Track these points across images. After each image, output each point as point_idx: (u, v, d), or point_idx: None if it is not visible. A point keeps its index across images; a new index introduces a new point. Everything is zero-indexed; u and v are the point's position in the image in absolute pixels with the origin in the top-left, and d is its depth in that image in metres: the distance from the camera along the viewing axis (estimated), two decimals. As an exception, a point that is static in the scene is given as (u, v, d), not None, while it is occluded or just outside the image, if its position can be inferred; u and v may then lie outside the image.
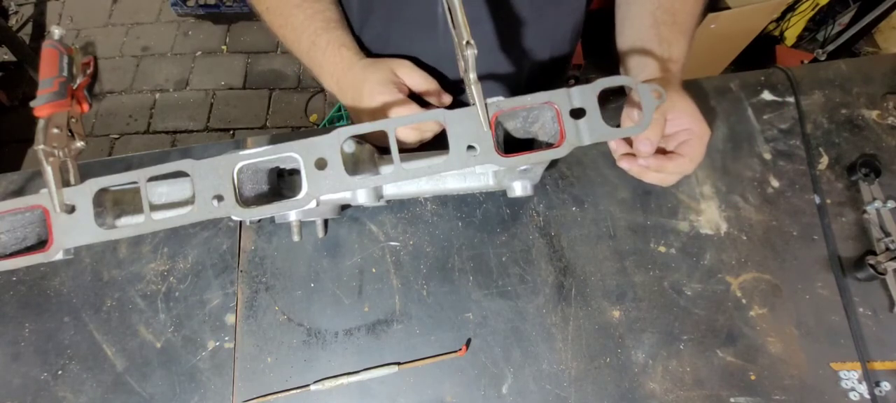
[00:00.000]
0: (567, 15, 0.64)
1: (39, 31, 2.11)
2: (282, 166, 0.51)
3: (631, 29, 0.57)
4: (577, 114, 0.37)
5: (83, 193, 0.36)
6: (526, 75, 0.67)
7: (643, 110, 0.37)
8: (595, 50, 1.80)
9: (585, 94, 0.37)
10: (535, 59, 0.65)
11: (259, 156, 0.36)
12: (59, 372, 0.54)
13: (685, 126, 0.49)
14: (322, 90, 1.91)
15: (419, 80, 0.54)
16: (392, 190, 0.54)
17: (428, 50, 0.61)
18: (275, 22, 0.59)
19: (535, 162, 0.37)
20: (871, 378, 0.52)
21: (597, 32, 0.72)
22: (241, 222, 0.60)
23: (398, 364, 0.53)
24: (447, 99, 0.56)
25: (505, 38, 0.61)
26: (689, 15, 0.55)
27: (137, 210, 0.47)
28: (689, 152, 0.49)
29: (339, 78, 0.56)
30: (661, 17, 0.53)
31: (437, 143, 0.56)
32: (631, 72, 0.54)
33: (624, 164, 0.52)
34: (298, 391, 0.53)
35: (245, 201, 0.36)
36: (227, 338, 0.55)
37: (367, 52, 0.58)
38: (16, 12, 2.17)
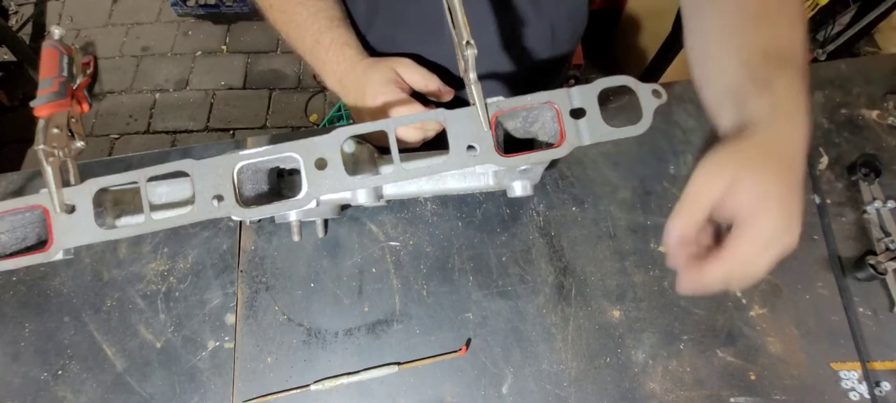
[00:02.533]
0: (567, 15, 0.64)
1: (39, 31, 2.11)
2: (282, 166, 0.51)
3: (717, 79, 0.42)
4: (577, 114, 0.37)
5: (83, 193, 0.36)
6: (526, 75, 0.67)
7: (643, 111, 0.37)
8: (595, 50, 1.80)
9: (585, 94, 0.37)
10: (535, 58, 0.65)
11: (259, 156, 0.36)
12: (59, 372, 0.54)
13: (744, 208, 0.34)
14: (322, 90, 1.91)
15: (420, 79, 0.54)
16: (392, 190, 0.54)
17: (434, 52, 0.61)
18: (278, 19, 0.59)
19: (535, 162, 0.37)
20: (871, 378, 0.52)
21: (597, 32, 0.72)
22: (241, 222, 0.60)
23: (398, 364, 0.53)
24: (449, 95, 0.56)
25: (505, 38, 0.61)
26: (790, 42, 0.39)
27: (137, 210, 0.47)
28: (732, 249, 0.34)
29: (341, 77, 0.56)
30: (747, 57, 0.40)
31: (438, 143, 0.56)
32: (717, 126, 0.40)
33: (681, 286, 0.37)
34: (298, 391, 0.53)
35: (245, 201, 0.36)
36: (227, 338, 0.55)
37: (372, 52, 0.58)
38: (16, 12, 2.17)
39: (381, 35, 0.63)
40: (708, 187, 0.34)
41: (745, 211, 0.34)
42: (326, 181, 0.36)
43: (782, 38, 0.40)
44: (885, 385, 0.52)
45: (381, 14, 0.62)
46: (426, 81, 0.54)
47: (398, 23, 0.62)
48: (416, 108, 0.50)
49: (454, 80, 0.58)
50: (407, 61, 0.55)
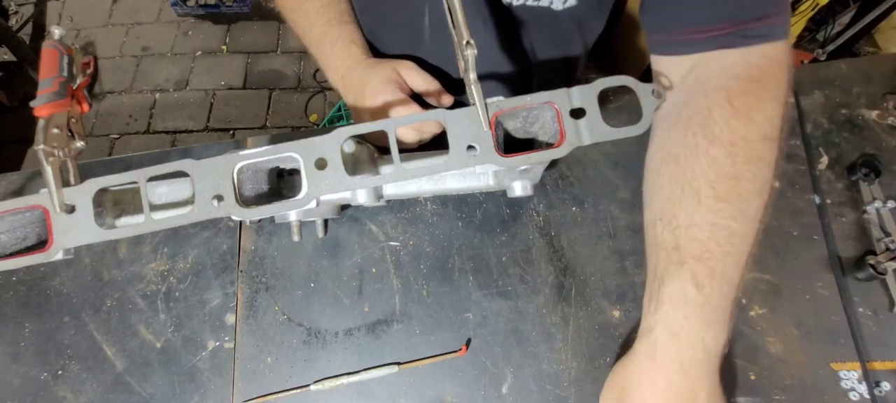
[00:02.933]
0: (569, 25, 0.63)
1: (39, 31, 2.11)
2: (282, 166, 0.51)
3: (646, 211, 0.44)
4: (577, 114, 0.37)
5: (83, 193, 0.36)
6: (527, 76, 0.67)
7: (643, 111, 0.37)
8: (595, 50, 1.80)
9: (585, 94, 0.37)
10: (534, 62, 0.65)
11: (259, 156, 0.36)
12: (59, 372, 0.54)
13: None
14: (322, 90, 1.91)
15: (420, 81, 0.54)
16: (392, 190, 0.54)
17: (414, 59, 0.61)
18: (287, 5, 0.59)
19: (535, 162, 0.37)
20: (871, 378, 0.52)
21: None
22: (241, 222, 0.60)
23: (398, 364, 0.53)
24: (448, 99, 0.56)
25: (505, 38, 0.61)
26: (704, 232, 0.39)
27: (137, 210, 0.47)
28: None
29: (343, 74, 0.56)
30: (661, 236, 0.41)
31: (437, 143, 0.56)
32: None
33: None
34: (298, 391, 0.53)
35: (245, 201, 0.36)
36: (227, 338, 0.55)
37: (375, 51, 0.58)
38: (16, 12, 2.17)
39: (370, 35, 0.63)
40: None
41: None
42: (326, 181, 0.36)
43: (695, 224, 0.39)
44: (885, 385, 0.52)
45: (368, 14, 0.62)
46: (427, 84, 0.54)
47: (381, 27, 0.62)
48: (415, 109, 0.50)
49: (451, 83, 0.58)
50: (409, 63, 0.55)
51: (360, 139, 0.50)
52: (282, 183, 0.53)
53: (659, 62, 0.50)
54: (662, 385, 0.36)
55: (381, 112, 0.51)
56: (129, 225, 0.43)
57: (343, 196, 0.53)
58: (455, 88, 0.60)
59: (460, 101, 0.63)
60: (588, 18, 0.62)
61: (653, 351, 0.38)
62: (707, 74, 0.43)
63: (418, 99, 0.55)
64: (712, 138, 0.40)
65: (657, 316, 0.38)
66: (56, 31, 0.41)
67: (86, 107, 0.42)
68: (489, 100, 0.37)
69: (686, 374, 0.36)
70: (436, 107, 0.54)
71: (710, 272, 0.38)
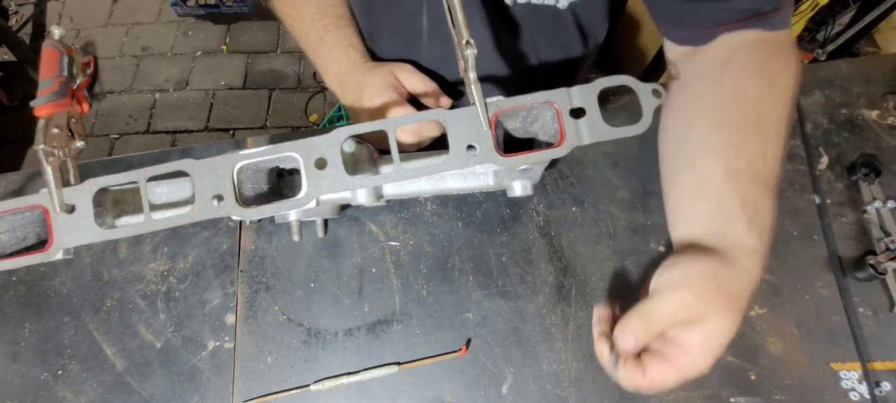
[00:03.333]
0: (571, 27, 0.63)
1: (39, 31, 2.11)
2: (282, 166, 0.51)
3: (692, 170, 0.42)
4: (577, 113, 0.37)
5: (83, 193, 0.36)
6: (528, 77, 0.67)
7: (643, 111, 0.37)
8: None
9: (585, 94, 0.37)
10: (536, 62, 0.65)
11: (259, 155, 0.36)
12: (59, 372, 0.54)
13: (694, 343, 0.37)
14: (322, 90, 1.91)
15: (418, 83, 0.54)
16: (392, 190, 0.54)
17: (413, 57, 0.61)
18: (285, 10, 0.59)
19: (534, 161, 0.37)
20: (871, 378, 0.52)
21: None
22: (241, 222, 0.60)
23: (398, 364, 0.53)
24: (446, 102, 0.56)
25: (506, 38, 0.61)
26: (771, 166, 0.40)
27: (137, 210, 0.47)
28: (659, 370, 0.37)
29: (342, 78, 0.56)
30: (735, 164, 0.39)
31: (437, 143, 0.56)
32: (679, 218, 0.42)
33: (599, 348, 0.41)
34: (298, 391, 0.53)
35: (245, 201, 0.36)
36: (227, 338, 0.55)
37: (374, 56, 0.58)
38: (16, 12, 2.17)
39: (369, 39, 0.63)
40: (676, 312, 0.37)
41: (691, 344, 0.36)
42: (326, 181, 0.36)
43: (769, 157, 0.41)
44: (885, 385, 0.52)
45: (369, 17, 0.62)
46: (424, 85, 0.54)
47: (378, 28, 0.62)
48: (412, 112, 0.50)
49: (449, 86, 0.58)
50: (407, 66, 0.55)
51: (360, 139, 0.50)
52: (282, 183, 0.53)
53: (674, 50, 0.52)
54: (744, 307, 0.38)
55: (378, 115, 0.51)
56: (129, 225, 0.43)
57: (343, 196, 0.53)
58: (453, 91, 0.60)
59: (458, 105, 0.63)
60: (592, 17, 0.62)
61: (759, 274, 0.39)
62: (742, 40, 0.46)
63: (416, 102, 0.55)
64: (773, 84, 0.43)
65: (761, 242, 0.39)
66: (56, 31, 0.41)
67: (86, 107, 0.42)
68: (489, 100, 0.37)
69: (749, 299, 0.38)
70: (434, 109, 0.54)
71: (774, 206, 0.40)
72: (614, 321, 0.40)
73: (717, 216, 0.40)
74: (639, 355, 0.38)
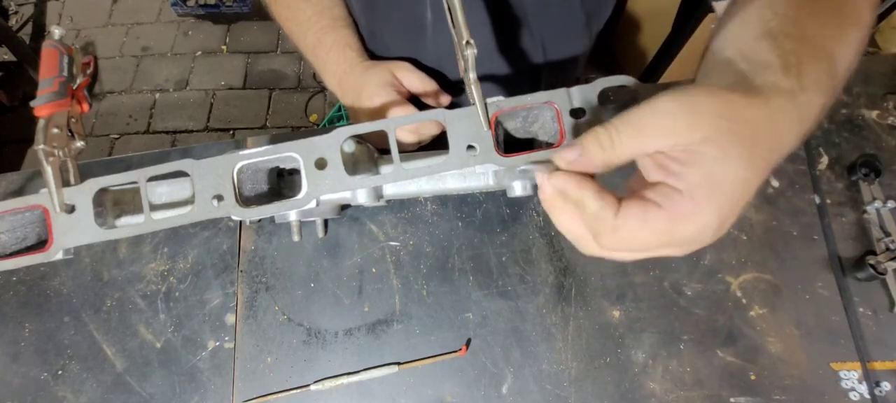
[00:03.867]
0: (577, 11, 0.63)
1: (39, 31, 2.11)
2: (282, 166, 0.51)
3: (725, 44, 0.32)
4: (577, 113, 0.37)
5: (83, 193, 0.36)
6: (532, 77, 0.67)
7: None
8: (595, 50, 1.80)
9: (585, 94, 0.37)
10: (542, 60, 0.65)
11: (259, 155, 0.36)
12: (59, 372, 0.54)
13: (696, 185, 0.25)
14: (322, 90, 1.91)
15: (417, 82, 0.54)
16: (392, 190, 0.54)
17: (417, 54, 0.61)
18: (281, 13, 0.59)
19: (534, 161, 0.37)
20: (871, 378, 0.52)
21: (599, 32, 0.72)
22: (241, 222, 0.60)
23: (398, 364, 0.53)
24: (445, 99, 0.56)
25: (507, 37, 0.61)
26: (830, 38, 0.31)
27: (137, 210, 0.47)
28: (638, 214, 0.26)
29: (341, 78, 0.56)
30: (780, 28, 0.31)
31: (437, 143, 0.56)
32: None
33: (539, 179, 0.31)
34: (298, 391, 0.53)
35: (245, 201, 0.36)
36: (227, 338, 0.55)
37: (372, 55, 0.58)
38: (16, 12, 2.17)
39: (368, 34, 0.63)
40: (662, 129, 0.26)
41: (687, 182, 0.25)
42: (326, 181, 0.36)
43: (827, 33, 0.31)
44: (885, 385, 0.52)
45: (371, 13, 0.62)
46: (424, 84, 0.54)
47: (382, 24, 0.62)
48: (412, 111, 0.50)
49: (444, 84, 0.58)
50: (405, 65, 0.55)
51: (360, 139, 0.50)
52: (282, 183, 0.53)
53: (718, 5, 0.45)
54: (771, 154, 0.27)
55: (378, 114, 0.51)
56: (129, 225, 0.42)
57: (343, 196, 0.53)
58: (457, 87, 0.60)
59: (458, 103, 0.63)
60: (599, 1, 0.61)
61: (795, 116, 0.28)
62: None
63: (416, 100, 0.55)
64: None
65: (802, 90, 0.28)
66: (56, 31, 0.41)
67: (86, 107, 0.42)
68: (489, 100, 0.37)
69: (780, 152, 0.28)
70: (434, 108, 0.54)
71: (833, 76, 0.31)
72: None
73: (745, 74, 0.29)
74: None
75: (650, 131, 0.25)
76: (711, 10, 0.49)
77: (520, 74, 0.64)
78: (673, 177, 0.26)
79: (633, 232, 0.26)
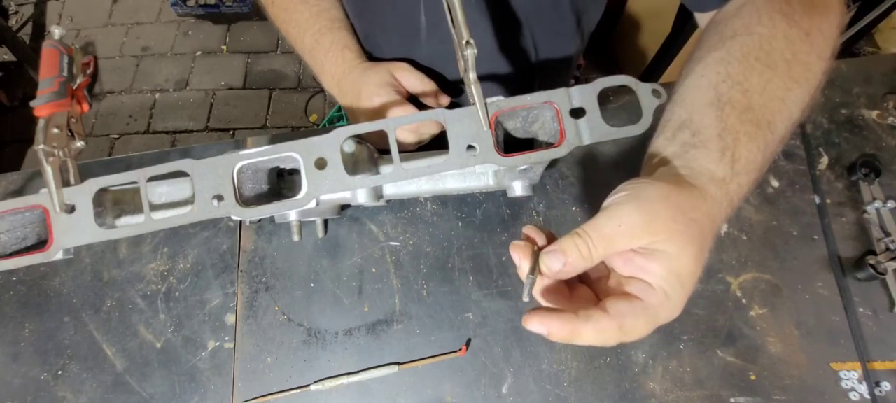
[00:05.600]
0: (567, 15, 0.63)
1: (39, 31, 2.11)
2: (282, 166, 0.51)
3: (681, 104, 0.38)
4: (577, 113, 0.37)
5: (83, 193, 0.36)
6: (526, 76, 0.67)
7: (643, 111, 0.37)
8: (595, 50, 1.80)
9: (585, 94, 0.37)
10: (535, 60, 0.65)
11: (259, 155, 0.36)
12: (59, 372, 0.54)
13: (655, 279, 0.30)
14: (322, 90, 1.91)
15: (416, 82, 0.54)
16: (392, 190, 0.54)
17: (411, 56, 0.61)
18: (279, 16, 0.59)
19: (534, 161, 0.37)
20: (871, 378, 0.52)
21: (597, 32, 0.72)
22: (241, 222, 0.60)
23: (398, 364, 0.53)
24: (445, 100, 0.56)
25: (505, 36, 0.61)
26: (775, 103, 0.36)
27: (137, 210, 0.47)
28: (629, 311, 0.30)
29: (339, 79, 0.56)
30: (728, 94, 0.36)
31: (437, 143, 0.56)
32: (647, 167, 0.37)
33: (515, 256, 0.33)
34: (298, 391, 0.53)
35: (245, 201, 0.36)
36: (227, 338, 0.55)
37: (370, 56, 0.58)
38: (16, 12, 2.17)
39: (363, 36, 0.63)
40: (623, 233, 0.30)
41: (654, 276, 0.30)
42: (326, 181, 0.36)
43: (771, 94, 0.37)
44: (885, 385, 0.52)
45: (365, 17, 0.62)
46: (423, 84, 0.54)
47: (376, 27, 0.62)
48: (412, 110, 0.50)
49: (443, 86, 0.58)
50: (404, 65, 0.55)
51: (360, 139, 0.50)
52: (282, 183, 0.53)
53: (701, 19, 0.50)
54: (710, 240, 0.33)
55: (377, 115, 0.51)
56: (129, 225, 0.42)
57: (343, 196, 0.53)
58: (451, 89, 0.60)
59: (457, 103, 0.63)
60: (588, 3, 0.62)
61: (726, 204, 0.34)
62: None
63: (415, 100, 0.55)
64: (792, 22, 0.39)
65: (733, 175, 0.34)
66: (56, 31, 0.41)
67: (86, 107, 0.42)
68: (489, 100, 0.37)
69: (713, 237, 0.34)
70: (433, 108, 0.54)
71: (768, 146, 0.36)
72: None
73: (689, 145, 0.35)
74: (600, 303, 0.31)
75: (617, 239, 0.30)
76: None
77: (514, 74, 0.64)
78: (641, 271, 0.31)
79: (632, 324, 0.30)
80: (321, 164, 0.36)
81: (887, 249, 0.55)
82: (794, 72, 0.38)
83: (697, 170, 0.34)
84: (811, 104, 0.39)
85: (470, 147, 0.36)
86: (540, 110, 0.41)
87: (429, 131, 0.53)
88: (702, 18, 0.50)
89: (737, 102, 0.36)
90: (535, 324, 0.30)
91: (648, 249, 0.30)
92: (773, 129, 0.36)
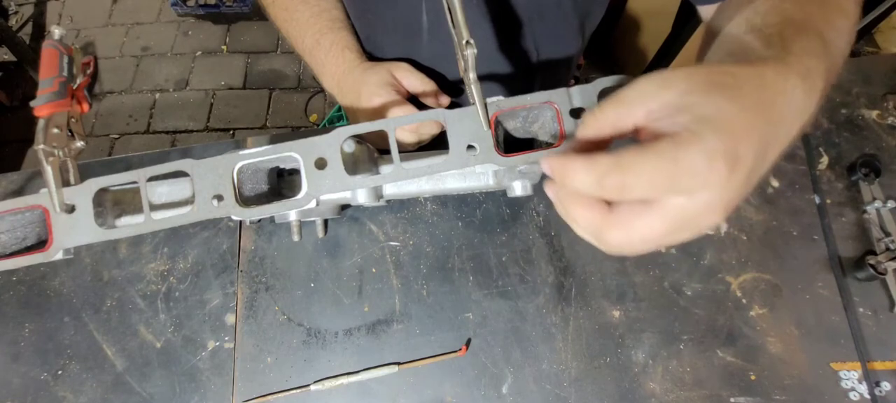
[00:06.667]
0: (570, 15, 0.63)
1: (39, 31, 2.11)
2: (282, 166, 0.51)
3: (717, 51, 0.34)
4: (577, 113, 0.37)
5: (83, 193, 0.36)
6: (527, 77, 0.67)
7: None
8: (595, 50, 1.80)
9: (585, 94, 0.37)
10: (536, 60, 0.65)
11: (259, 155, 0.36)
12: (59, 372, 0.54)
13: (676, 124, 0.24)
14: (322, 90, 1.91)
15: (416, 82, 0.54)
16: (392, 190, 0.54)
17: (412, 56, 0.61)
18: (279, 15, 0.59)
19: (534, 161, 0.37)
20: (871, 378, 0.52)
21: (597, 32, 0.72)
22: (241, 222, 0.60)
23: (398, 364, 0.53)
24: (445, 100, 0.56)
25: (506, 36, 0.61)
26: (814, 17, 0.31)
27: (137, 210, 0.47)
28: (634, 149, 0.24)
29: (339, 80, 0.56)
30: (763, 20, 0.32)
31: (437, 143, 0.56)
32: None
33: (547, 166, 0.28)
34: (298, 391, 0.53)
35: (245, 201, 0.36)
36: (227, 338, 0.55)
37: (371, 57, 0.58)
38: (16, 12, 2.17)
39: (364, 37, 0.63)
40: (649, 95, 0.25)
41: (688, 123, 0.23)
42: (326, 181, 0.36)
43: (816, 18, 0.31)
44: (885, 385, 0.52)
45: (367, 17, 0.62)
46: (423, 84, 0.54)
47: (377, 26, 0.62)
48: (412, 110, 0.50)
49: (445, 86, 0.58)
50: (404, 65, 0.55)
51: (360, 139, 0.50)
52: (282, 183, 0.53)
53: (705, 11, 0.48)
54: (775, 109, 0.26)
55: (377, 115, 0.51)
56: (129, 225, 0.42)
57: (343, 196, 0.53)
58: (452, 89, 0.60)
59: (457, 103, 0.63)
60: (592, 3, 0.62)
61: (788, 70, 0.27)
62: None
63: (415, 100, 0.55)
64: None
65: (787, 55, 0.28)
66: (56, 31, 0.41)
67: (86, 107, 0.42)
68: (489, 100, 0.37)
69: (787, 121, 0.27)
70: (433, 108, 0.54)
71: (825, 48, 0.30)
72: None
73: (730, 55, 0.30)
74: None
75: (629, 100, 0.26)
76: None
77: (515, 74, 0.64)
78: (665, 129, 0.24)
79: (634, 160, 0.23)
80: (321, 164, 0.36)
81: (887, 249, 0.55)
82: (829, 3, 0.33)
83: (747, 50, 0.28)
84: (851, 40, 0.34)
85: (470, 147, 0.36)
86: (540, 110, 0.41)
87: (429, 131, 0.53)
88: (705, 11, 0.49)
89: (773, 23, 0.30)
90: (545, 166, 0.27)
91: (669, 105, 0.24)
92: (822, 37, 0.30)
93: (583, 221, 0.28)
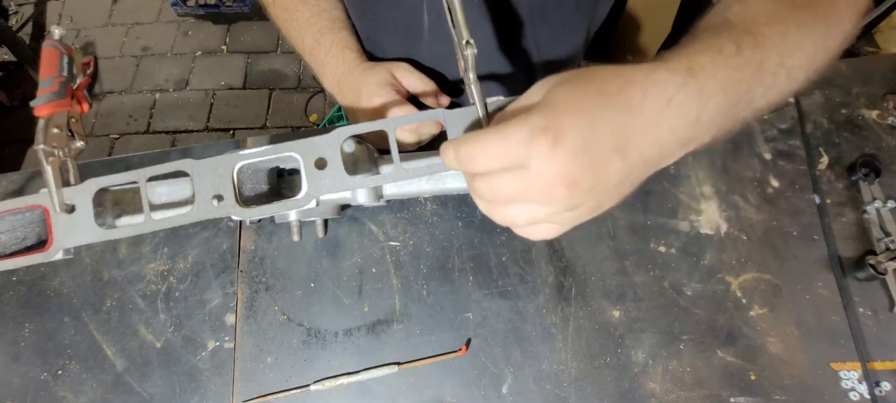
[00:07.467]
0: (572, 15, 0.63)
1: (39, 31, 2.11)
2: (282, 166, 0.51)
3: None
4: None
5: (83, 193, 0.36)
6: (527, 76, 0.67)
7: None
8: (595, 50, 1.80)
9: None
10: (537, 60, 0.65)
11: (259, 155, 0.36)
12: (59, 372, 0.54)
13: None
14: (322, 90, 1.91)
15: (416, 82, 0.54)
16: (392, 190, 0.54)
17: (413, 56, 0.61)
18: (279, 15, 0.59)
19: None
20: (871, 378, 0.52)
21: (597, 32, 0.72)
22: (241, 222, 0.60)
23: (398, 364, 0.53)
24: (445, 100, 0.56)
25: (506, 36, 0.61)
26: (775, 27, 0.30)
27: (137, 210, 0.47)
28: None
29: (339, 79, 0.56)
30: (708, 21, 0.32)
31: (437, 143, 0.56)
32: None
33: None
34: (298, 391, 0.53)
35: (245, 201, 0.36)
36: (227, 338, 0.55)
37: (371, 57, 0.58)
38: (16, 12, 2.17)
39: (365, 37, 0.63)
40: (530, 96, 0.29)
41: (538, 105, 0.26)
42: (326, 181, 0.36)
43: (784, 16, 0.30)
44: (885, 385, 0.52)
45: (367, 17, 0.62)
46: (423, 84, 0.54)
47: (377, 26, 0.62)
48: (412, 110, 0.50)
49: (445, 86, 0.58)
50: (404, 65, 0.55)
51: (360, 139, 0.50)
52: (282, 183, 0.53)
53: None
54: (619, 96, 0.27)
55: (377, 114, 0.51)
56: (129, 225, 0.43)
57: (343, 196, 0.53)
58: (452, 89, 0.60)
59: (457, 103, 0.63)
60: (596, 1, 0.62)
61: (647, 78, 0.27)
62: None
63: (415, 100, 0.55)
64: None
65: (679, 52, 0.29)
66: (56, 31, 0.41)
67: (86, 107, 0.42)
68: (489, 100, 0.37)
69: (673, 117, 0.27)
70: (433, 108, 0.54)
71: (755, 43, 0.29)
72: None
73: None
74: None
75: (513, 111, 0.29)
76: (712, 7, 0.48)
77: (515, 74, 0.64)
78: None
79: (480, 143, 0.27)
80: (321, 164, 0.36)
81: (887, 249, 0.55)
82: (813, 7, 0.32)
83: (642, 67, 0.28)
84: (839, 47, 0.34)
85: (470, 147, 0.36)
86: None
87: (429, 131, 0.53)
88: None
89: (714, 26, 0.31)
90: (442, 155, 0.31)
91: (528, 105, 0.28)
92: (754, 34, 0.29)
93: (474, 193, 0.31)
